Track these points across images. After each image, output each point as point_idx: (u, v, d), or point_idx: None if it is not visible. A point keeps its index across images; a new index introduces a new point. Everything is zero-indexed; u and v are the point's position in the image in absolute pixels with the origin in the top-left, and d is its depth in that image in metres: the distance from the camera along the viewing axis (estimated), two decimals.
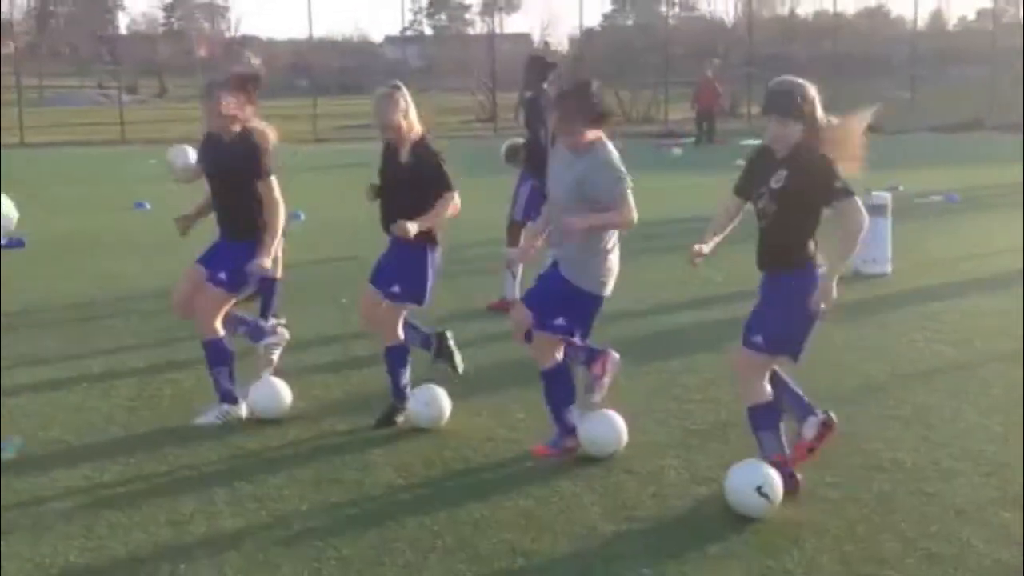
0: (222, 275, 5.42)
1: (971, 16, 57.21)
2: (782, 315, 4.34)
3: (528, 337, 4.92)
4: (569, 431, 4.94)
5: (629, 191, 4.71)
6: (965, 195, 14.79)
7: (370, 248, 5.99)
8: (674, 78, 32.93)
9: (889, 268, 9.15)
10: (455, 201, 5.28)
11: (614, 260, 4.86)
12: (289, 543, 4.04)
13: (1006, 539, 3.97)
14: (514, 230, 8.02)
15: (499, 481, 4.67)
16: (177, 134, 28.19)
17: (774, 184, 4.29)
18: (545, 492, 4.50)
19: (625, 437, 4.90)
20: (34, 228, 12.25)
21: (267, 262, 5.37)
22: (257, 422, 5.42)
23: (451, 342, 5.67)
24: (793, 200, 4.26)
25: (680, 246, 5.34)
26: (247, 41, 52.15)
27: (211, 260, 5.49)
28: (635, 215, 4.72)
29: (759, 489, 4.15)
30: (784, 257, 4.35)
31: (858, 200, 4.24)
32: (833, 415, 4.47)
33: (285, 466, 4.84)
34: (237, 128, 5.39)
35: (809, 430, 4.45)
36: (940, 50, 38.97)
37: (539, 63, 8.46)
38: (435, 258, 5.37)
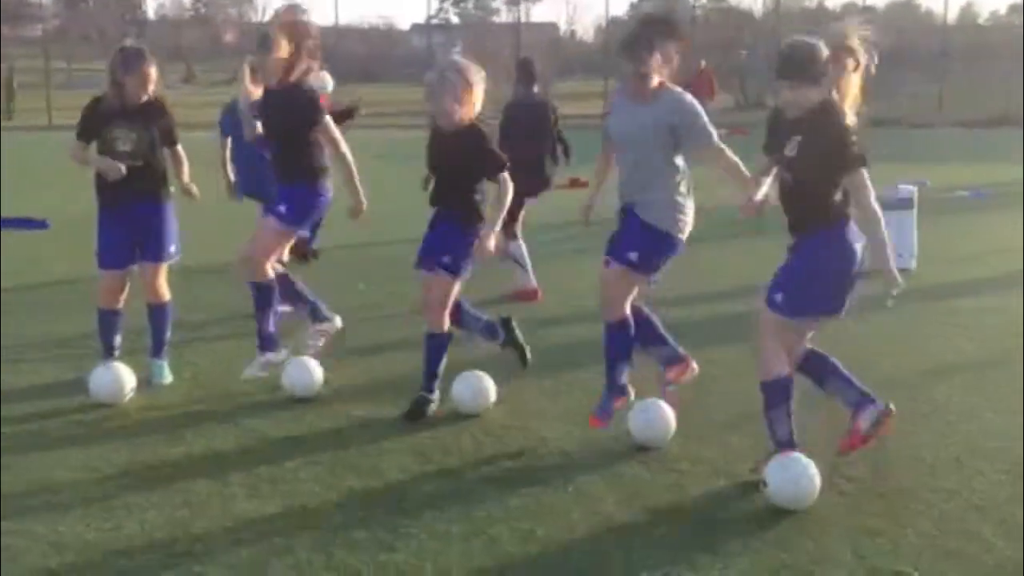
0: (282, 208, 5.57)
1: (1003, 10, 56.70)
2: (806, 275, 4.26)
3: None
4: (618, 389, 4.95)
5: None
6: (992, 191, 14.65)
7: (392, 235, 5.97)
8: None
9: (914, 263, 9.07)
10: (509, 183, 5.26)
11: (691, 206, 4.87)
12: (303, 526, 4.05)
13: None
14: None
15: (515, 469, 4.66)
16: (204, 119, 28.38)
17: (788, 152, 4.20)
18: (561, 481, 4.48)
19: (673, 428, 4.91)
20: (61, 208, 12.33)
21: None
22: (269, 408, 5.44)
23: (517, 331, 5.67)
24: (807, 170, 4.17)
25: (699, 238, 5.30)
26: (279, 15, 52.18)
27: (272, 205, 5.69)
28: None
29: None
30: (808, 221, 4.25)
31: (865, 174, 4.14)
32: (892, 405, 4.38)
33: (301, 450, 4.85)
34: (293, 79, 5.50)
35: (865, 420, 4.34)
36: (970, 44, 38.58)
37: (528, 66, 8.44)
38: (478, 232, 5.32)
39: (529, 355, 5.74)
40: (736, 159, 4.76)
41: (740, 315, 7.12)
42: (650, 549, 3.88)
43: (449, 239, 5.28)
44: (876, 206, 4.16)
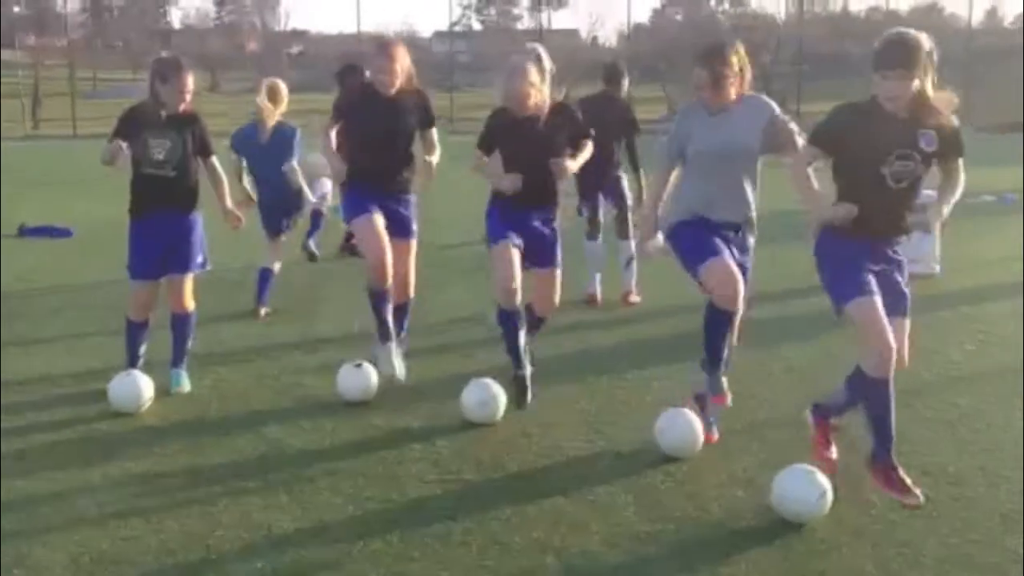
0: (415, 227, 5.78)
1: None
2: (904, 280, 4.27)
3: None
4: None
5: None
6: (1020, 196, 14.48)
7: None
8: None
9: (938, 268, 8.98)
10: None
11: None
12: (319, 535, 4.03)
13: None
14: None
15: (532, 478, 4.62)
16: (226, 126, 28.56)
17: (926, 147, 4.11)
18: (579, 491, 4.44)
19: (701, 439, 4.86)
20: (85, 217, 12.41)
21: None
22: (287, 416, 5.43)
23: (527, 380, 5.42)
24: (938, 161, 4.18)
25: None
26: (297, 36, 52.53)
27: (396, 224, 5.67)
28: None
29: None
30: (908, 221, 4.21)
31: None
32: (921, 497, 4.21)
33: (318, 458, 4.83)
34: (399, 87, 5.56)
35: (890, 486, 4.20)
36: (996, 48, 38.27)
37: (611, 68, 8.39)
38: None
39: (528, 399, 5.45)
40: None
41: (757, 321, 7.06)
42: (668, 559, 3.83)
43: (551, 239, 5.33)
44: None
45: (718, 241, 4.69)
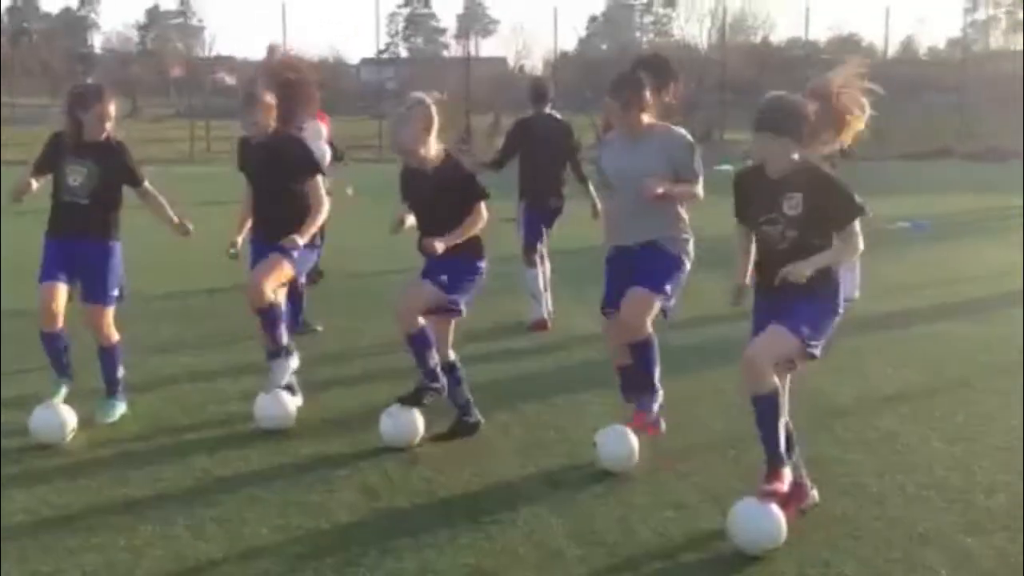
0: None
1: (941, 45, 58.02)
2: (823, 319, 4.23)
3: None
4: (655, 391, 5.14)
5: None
6: (934, 223, 14.92)
7: (354, 268, 5.92)
8: None
9: (857, 293, 9.20)
10: (484, 212, 5.27)
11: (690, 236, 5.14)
12: (249, 569, 3.98)
13: (969, 565, 3.97)
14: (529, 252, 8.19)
15: (464, 504, 4.63)
16: (150, 152, 28.16)
17: (789, 211, 4.14)
18: (511, 515, 4.46)
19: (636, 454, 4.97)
20: (9, 246, 12.10)
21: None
22: (218, 446, 5.37)
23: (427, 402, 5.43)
24: (815, 225, 4.15)
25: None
26: (221, 61, 52.03)
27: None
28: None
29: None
30: (811, 278, 4.12)
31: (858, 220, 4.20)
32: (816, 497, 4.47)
33: (247, 489, 4.78)
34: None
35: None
36: (911, 78, 39.41)
37: (540, 86, 8.54)
38: (481, 268, 5.35)
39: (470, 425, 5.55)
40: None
41: (683, 347, 7.16)
42: None
43: (452, 279, 5.23)
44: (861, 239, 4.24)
45: (614, 290, 5.11)
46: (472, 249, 5.28)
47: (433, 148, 5.20)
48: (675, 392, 6.05)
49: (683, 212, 5.13)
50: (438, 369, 5.33)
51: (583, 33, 66.10)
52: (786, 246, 4.18)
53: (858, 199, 4.17)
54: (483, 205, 5.25)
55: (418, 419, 5.33)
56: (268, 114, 5.59)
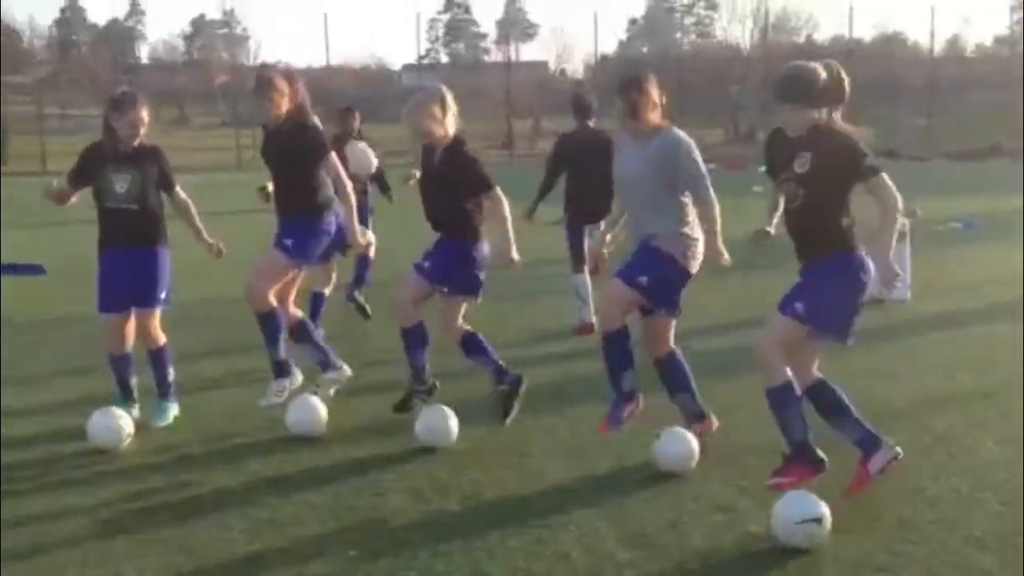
0: (288, 241, 5.76)
1: (988, 42, 57.25)
2: (826, 291, 4.29)
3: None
4: (626, 397, 5.10)
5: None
6: (983, 222, 14.71)
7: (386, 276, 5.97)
8: (690, 103, 33.02)
9: (908, 294, 9.10)
10: (501, 196, 5.41)
11: (700, 240, 5.04)
12: (303, 570, 4.02)
13: None
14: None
15: (512, 507, 4.64)
16: (198, 161, 28.54)
17: (799, 168, 4.25)
18: (560, 518, 4.46)
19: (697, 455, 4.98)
20: (56, 251, 12.31)
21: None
22: (268, 449, 5.42)
23: (521, 390, 5.64)
24: (822, 183, 4.22)
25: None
26: (266, 68, 52.51)
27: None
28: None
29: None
30: (822, 241, 4.29)
31: (886, 176, 4.20)
32: (900, 449, 4.49)
33: (300, 492, 4.82)
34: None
35: (876, 464, 4.43)
36: (958, 76, 38.93)
37: (582, 100, 8.50)
38: (481, 250, 5.49)
39: (510, 417, 5.65)
40: (716, 213, 4.94)
41: (734, 348, 7.12)
42: None
43: (457, 263, 5.46)
44: (899, 210, 4.24)
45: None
46: (468, 233, 5.47)
47: (446, 128, 5.40)
48: (725, 396, 6.03)
49: (689, 212, 4.98)
50: (427, 369, 5.63)
51: (623, 36, 66.07)
52: (798, 204, 4.31)
53: (870, 160, 4.18)
54: (498, 190, 5.40)
55: (450, 418, 5.39)
56: (280, 100, 5.66)
